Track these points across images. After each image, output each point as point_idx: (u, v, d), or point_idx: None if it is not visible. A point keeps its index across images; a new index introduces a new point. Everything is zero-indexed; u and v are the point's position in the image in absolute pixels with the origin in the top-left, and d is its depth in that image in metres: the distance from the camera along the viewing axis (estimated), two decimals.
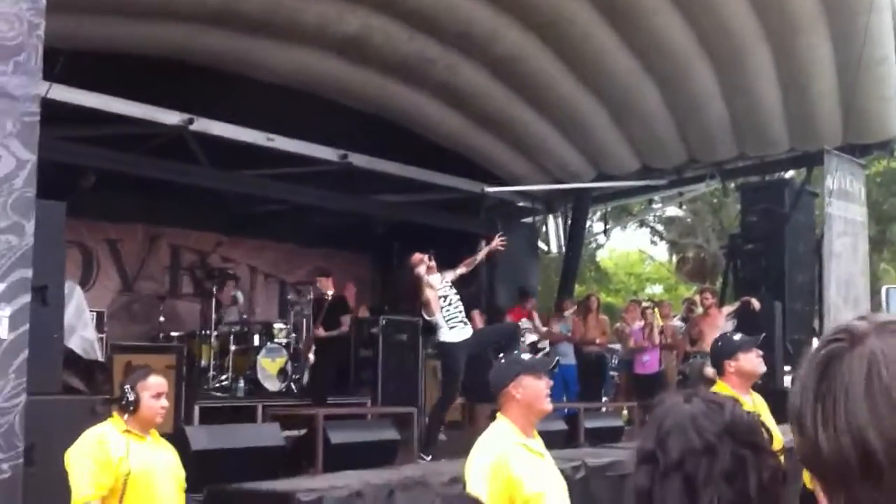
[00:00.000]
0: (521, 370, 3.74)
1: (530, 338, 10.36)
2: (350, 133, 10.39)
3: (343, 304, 9.54)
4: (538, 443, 3.79)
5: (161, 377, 4.35)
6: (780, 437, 4.75)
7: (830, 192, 10.78)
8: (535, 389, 3.73)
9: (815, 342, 1.04)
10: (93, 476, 3.99)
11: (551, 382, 3.96)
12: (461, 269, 7.45)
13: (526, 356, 3.99)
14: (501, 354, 4.16)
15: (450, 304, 7.26)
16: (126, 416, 4.19)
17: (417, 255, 7.29)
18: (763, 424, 1.52)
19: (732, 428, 1.46)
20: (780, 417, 4.64)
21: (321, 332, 8.99)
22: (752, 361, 4.67)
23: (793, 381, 1.02)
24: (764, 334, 5.07)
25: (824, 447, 0.94)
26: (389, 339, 9.47)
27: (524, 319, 11.07)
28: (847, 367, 0.95)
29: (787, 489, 1.50)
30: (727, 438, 1.44)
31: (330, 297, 9.13)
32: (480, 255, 7.73)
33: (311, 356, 9.07)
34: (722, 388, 4.58)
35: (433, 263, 7.28)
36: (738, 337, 4.89)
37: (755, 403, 4.62)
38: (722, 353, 4.74)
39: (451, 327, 7.21)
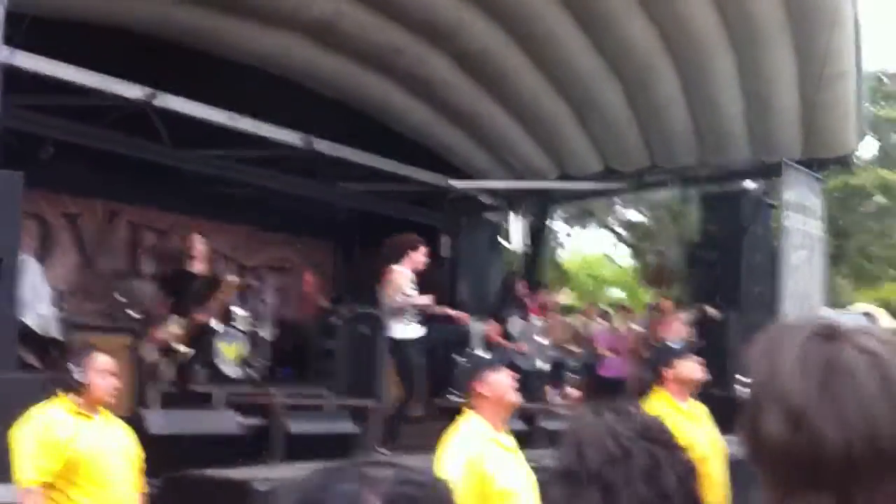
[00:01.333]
0: (483, 366, 3.92)
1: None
2: (316, 119, 10.29)
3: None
4: (509, 438, 3.83)
5: (108, 357, 4.24)
6: (722, 444, 4.79)
7: (788, 204, 10.93)
8: (500, 384, 3.81)
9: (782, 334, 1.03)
10: (35, 460, 3.88)
11: (513, 374, 4.02)
12: (424, 300, 7.29)
13: (484, 353, 4.13)
14: (463, 355, 4.24)
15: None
16: (74, 396, 4.08)
17: (422, 246, 7.33)
18: (665, 425, 1.57)
19: (645, 430, 1.51)
20: (727, 426, 4.68)
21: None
22: (690, 368, 4.72)
23: (761, 379, 1.00)
24: (701, 342, 5.17)
25: (830, 443, 0.93)
26: (349, 331, 9.39)
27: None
28: (854, 366, 0.95)
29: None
30: (641, 441, 1.48)
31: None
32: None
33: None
34: (660, 395, 4.62)
35: (424, 261, 7.21)
36: (675, 344, 4.97)
37: (693, 410, 4.68)
38: (659, 360, 4.80)
39: (407, 324, 7.20)
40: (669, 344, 5.11)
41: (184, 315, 7.29)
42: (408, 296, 7.11)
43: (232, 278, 8.37)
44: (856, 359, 0.96)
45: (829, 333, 0.99)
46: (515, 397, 3.92)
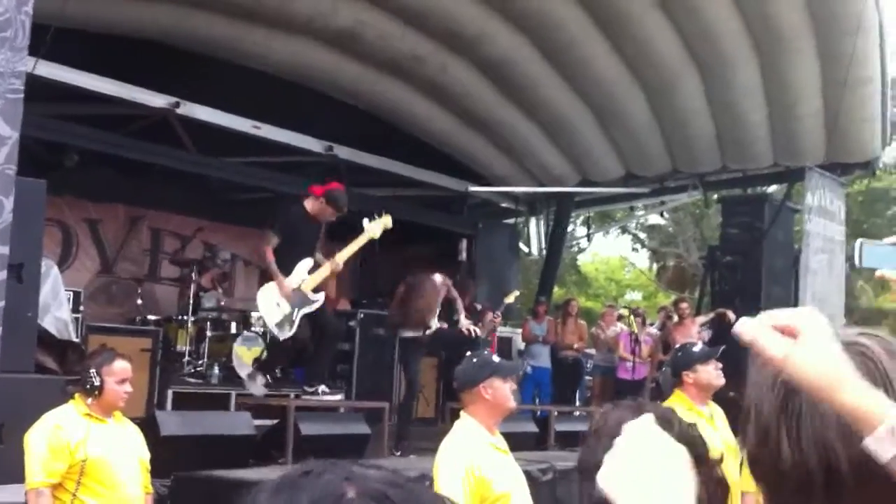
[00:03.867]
0: (491, 372, 3.81)
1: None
2: (337, 125, 10.39)
3: None
4: (501, 440, 3.87)
5: (126, 362, 4.33)
6: (737, 447, 4.80)
7: (810, 209, 10.87)
8: (502, 392, 3.81)
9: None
10: (45, 462, 3.98)
11: (514, 386, 4.04)
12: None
13: (496, 358, 4.05)
14: (471, 353, 4.20)
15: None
16: (89, 399, 4.18)
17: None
18: (701, 436, 1.55)
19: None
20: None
21: None
22: (710, 373, 4.68)
23: (751, 387, 1.04)
24: (724, 346, 5.10)
25: (787, 459, 0.96)
26: (367, 334, 9.49)
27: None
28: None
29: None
30: None
31: None
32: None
33: None
34: (680, 398, 4.62)
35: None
36: (697, 348, 4.91)
37: (713, 414, 4.67)
38: (680, 363, 4.76)
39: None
40: (691, 348, 5.06)
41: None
42: None
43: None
44: None
45: None
46: (513, 404, 3.95)
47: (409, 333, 7.53)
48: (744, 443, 1.04)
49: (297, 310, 6.84)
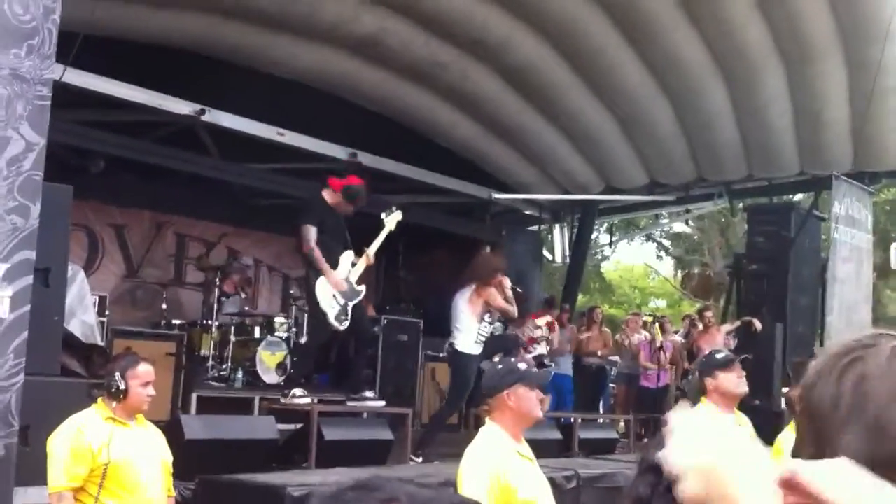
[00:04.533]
0: (517, 380, 3.76)
1: (539, 349, 10.36)
2: (360, 132, 10.42)
3: None
4: (527, 448, 3.84)
5: (149, 365, 4.37)
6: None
7: (837, 217, 10.78)
8: (528, 400, 3.76)
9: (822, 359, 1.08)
10: (67, 466, 4.01)
11: (542, 395, 4.00)
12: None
13: (522, 365, 4.00)
14: (497, 359, 4.16)
15: (487, 322, 7.63)
16: (113, 402, 4.21)
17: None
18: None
19: None
20: (769, 438, 4.65)
21: None
22: (732, 381, 4.65)
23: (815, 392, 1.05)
24: (745, 355, 5.05)
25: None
26: (390, 339, 9.50)
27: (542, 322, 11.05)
28: (878, 372, 1.00)
29: None
30: None
31: None
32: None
33: None
34: (707, 406, 4.59)
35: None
36: (720, 355, 4.88)
37: (739, 422, 4.63)
38: (703, 370, 4.75)
39: (476, 341, 7.42)
40: (715, 355, 5.03)
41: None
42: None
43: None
44: (882, 367, 1.01)
45: (864, 352, 1.03)
46: (539, 413, 3.91)
47: (467, 349, 7.58)
48: (831, 451, 1.03)
49: (349, 302, 6.98)
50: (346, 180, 7.31)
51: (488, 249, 8.13)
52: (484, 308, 7.53)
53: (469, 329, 7.47)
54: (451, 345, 7.58)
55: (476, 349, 7.45)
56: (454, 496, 0.94)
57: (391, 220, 7.35)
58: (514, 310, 7.75)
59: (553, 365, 10.00)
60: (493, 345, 7.68)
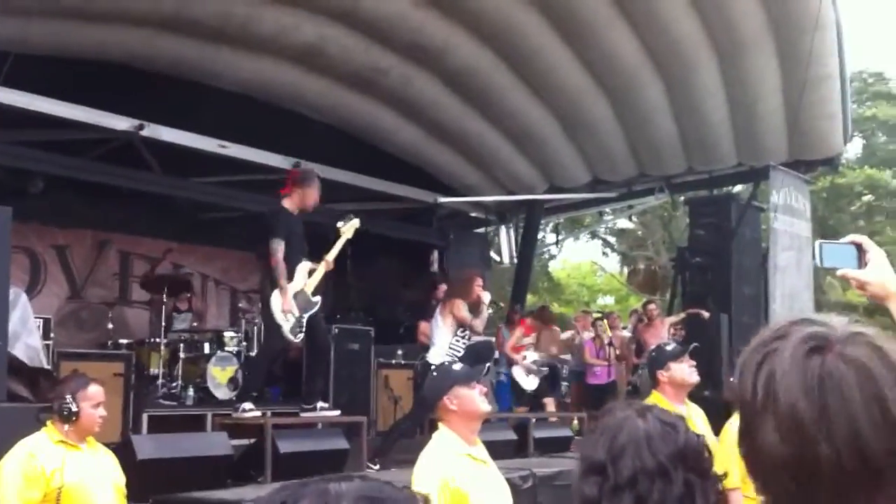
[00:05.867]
0: (452, 382, 3.79)
1: (531, 356, 10.44)
2: (303, 141, 10.37)
3: None
4: (481, 450, 3.84)
5: (100, 386, 4.32)
6: (717, 447, 4.82)
7: (776, 207, 10.99)
8: (469, 398, 3.78)
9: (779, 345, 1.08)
10: (20, 492, 3.95)
11: (485, 389, 4.02)
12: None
13: (457, 366, 4.04)
14: (434, 367, 4.19)
15: (463, 338, 7.74)
16: (65, 425, 4.15)
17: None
18: (708, 448, 1.55)
19: (685, 452, 1.49)
20: (720, 427, 4.73)
21: None
22: (684, 371, 4.72)
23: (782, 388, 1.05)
24: (695, 344, 5.14)
25: (824, 457, 0.99)
26: (342, 348, 9.48)
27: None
28: (843, 380, 1.01)
29: None
30: (679, 463, 1.46)
31: None
32: None
33: None
34: (657, 398, 4.65)
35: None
36: (669, 347, 4.95)
37: (691, 415, 4.70)
38: (654, 363, 4.81)
39: (446, 354, 7.54)
40: (665, 347, 5.10)
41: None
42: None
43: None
44: (846, 373, 1.01)
45: (821, 344, 1.04)
46: (484, 407, 3.91)
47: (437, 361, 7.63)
48: (751, 450, 1.06)
49: (304, 314, 6.98)
50: (289, 177, 7.35)
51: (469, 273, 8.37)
52: (456, 322, 7.63)
53: (441, 343, 7.65)
54: (423, 357, 7.66)
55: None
56: (382, 484, 0.95)
57: (348, 227, 7.34)
58: (477, 322, 7.79)
59: (547, 370, 10.14)
60: (469, 354, 7.71)
